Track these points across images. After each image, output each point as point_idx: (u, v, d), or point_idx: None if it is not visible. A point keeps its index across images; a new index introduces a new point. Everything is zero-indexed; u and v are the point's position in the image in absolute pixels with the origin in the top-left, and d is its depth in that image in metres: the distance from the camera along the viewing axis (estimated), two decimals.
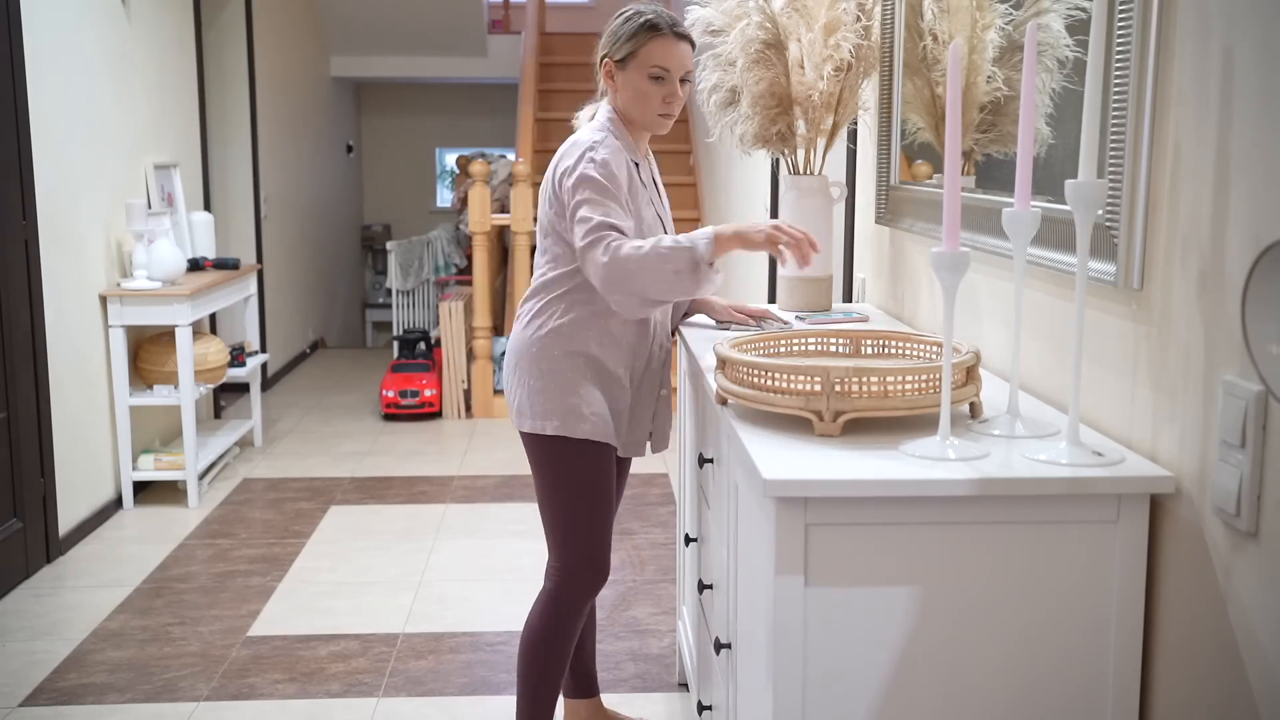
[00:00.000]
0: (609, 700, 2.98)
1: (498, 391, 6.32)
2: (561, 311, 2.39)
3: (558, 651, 2.49)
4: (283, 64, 7.69)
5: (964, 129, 2.20)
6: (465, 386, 6.33)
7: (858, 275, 3.20)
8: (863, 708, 1.55)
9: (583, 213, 2.28)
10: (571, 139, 2.41)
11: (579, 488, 2.41)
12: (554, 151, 2.54)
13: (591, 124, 2.43)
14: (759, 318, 2.55)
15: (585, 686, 2.79)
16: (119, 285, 4.59)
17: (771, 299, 4.68)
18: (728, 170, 6.18)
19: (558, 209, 2.37)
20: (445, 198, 11.63)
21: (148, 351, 4.76)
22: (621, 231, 2.26)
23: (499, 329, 7.15)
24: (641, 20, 2.37)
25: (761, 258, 5.06)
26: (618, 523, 4.43)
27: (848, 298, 3.29)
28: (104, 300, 4.51)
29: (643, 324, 2.46)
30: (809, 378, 1.68)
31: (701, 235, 2.22)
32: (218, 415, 5.99)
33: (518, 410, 2.44)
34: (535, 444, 2.42)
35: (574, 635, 2.50)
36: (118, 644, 3.37)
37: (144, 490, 4.79)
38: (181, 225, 5.35)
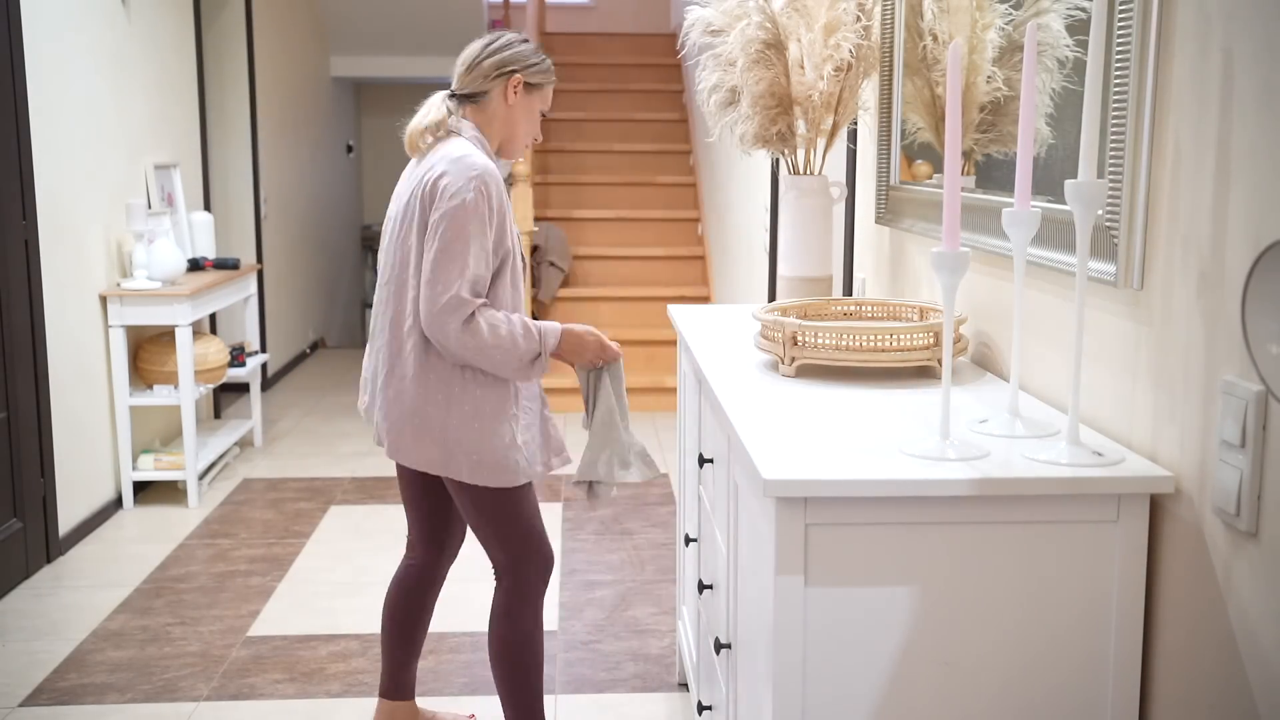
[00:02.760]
0: (610, 699, 2.98)
1: None
2: (477, 397, 2.34)
3: (536, 650, 2.48)
4: (283, 64, 7.69)
5: (964, 129, 2.20)
6: None
7: (858, 275, 3.20)
8: (863, 708, 1.55)
9: (440, 262, 2.23)
10: (451, 154, 2.33)
11: (518, 507, 2.43)
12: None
13: (462, 140, 2.39)
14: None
15: (405, 689, 2.74)
16: (119, 285, 4.59)
17: (772, 298, 4.68)
18: (728, 170, 6.18)
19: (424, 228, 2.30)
20: None
21: (148, 351, 4.76)
22: (480, 294, 2.26)
23: None
24: (548, 64, 2.48)
25: (761, 258, 5.06)
26: (617, 523, 4.44)
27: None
28: (104, 300, 4.51)
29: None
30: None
31: (551, 333, 2.32)
32: (218, 415, 5.99)
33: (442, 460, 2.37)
34: (458, 485, 2.40)
35: (541, 628, 2.49)
36: (118, 644, 3.37)
37: (144, 490, 4.79)
38: (181, 225, 5.35)
